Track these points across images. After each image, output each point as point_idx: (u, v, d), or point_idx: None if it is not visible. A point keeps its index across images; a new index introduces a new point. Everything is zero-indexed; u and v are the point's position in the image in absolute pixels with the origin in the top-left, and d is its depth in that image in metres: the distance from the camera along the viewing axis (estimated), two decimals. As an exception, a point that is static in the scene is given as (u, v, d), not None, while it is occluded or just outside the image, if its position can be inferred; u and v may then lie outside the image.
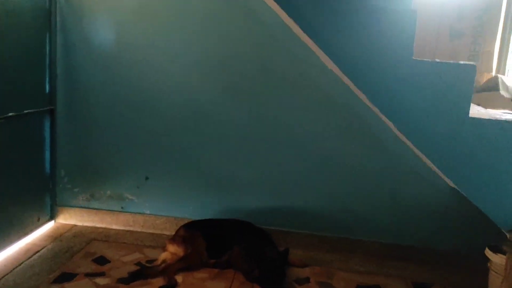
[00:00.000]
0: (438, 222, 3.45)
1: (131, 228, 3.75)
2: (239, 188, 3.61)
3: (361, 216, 3.54)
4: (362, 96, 3.13)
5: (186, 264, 3.08)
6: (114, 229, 3.75)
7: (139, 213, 3.75)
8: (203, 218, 3.50)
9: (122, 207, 3.76)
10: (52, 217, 3.79)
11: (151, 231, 3.73)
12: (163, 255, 3.15)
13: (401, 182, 3.44)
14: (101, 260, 3.19)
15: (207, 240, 3.22)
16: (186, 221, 3.60)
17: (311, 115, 3.44)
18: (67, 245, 3.39)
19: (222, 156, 3.58)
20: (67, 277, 2.93)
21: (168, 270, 2.99)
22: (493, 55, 5.61)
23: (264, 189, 3.59)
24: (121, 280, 2.92)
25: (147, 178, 3.68)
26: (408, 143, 3.21)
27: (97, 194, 3.76)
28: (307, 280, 3.11)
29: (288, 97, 3.44)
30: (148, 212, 3.74)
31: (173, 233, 3.55)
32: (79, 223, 3.79)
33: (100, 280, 2.92)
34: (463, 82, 2.70)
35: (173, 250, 3.14)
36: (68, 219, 3.81)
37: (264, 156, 3.54)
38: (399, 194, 3.46)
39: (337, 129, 3.43)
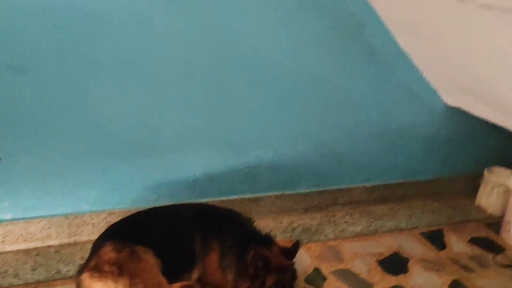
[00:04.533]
0: (430, 150, 2.76)
1: (-19, 251, 2.05)
2: (174, 148, 2.19)
3: (342, 159, 2.57)
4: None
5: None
6: None
7: (-8, 221, 2.04)
8: (129, 212, 2.06)
9: (-49, 217, 1.98)
10: None
11: (22, 246, 2.09)
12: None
13: (391, 106, 2.56)
14: None
15: (158, 252, 1.86)
16: (89, 218, 2.13)
17: (275, 19, 2.15)
18: None
19: (138, 99, 2.05)
20: None
21: None
22: None
23: (213, 144, 2.26)
24: None
25: (-2, 159, 1.94)
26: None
27: None
28: (317, 273, 2.12)
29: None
30: (9, 216, 2.05)
31: (72, 240, 2.08)
32: None
33: None
34: None
35: (106, 292, 1.71)
36: None
37: (208, 92, 2.15)
38: (388, 123, 2.60)
39: (316, 37, 2.23)
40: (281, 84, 2.26)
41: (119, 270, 1.74)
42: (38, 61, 1.81)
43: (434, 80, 2.51)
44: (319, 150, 2.48)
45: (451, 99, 2.60)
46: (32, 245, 2.09)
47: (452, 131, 2.74)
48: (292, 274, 1.87)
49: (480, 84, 2.18)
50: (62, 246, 2.11)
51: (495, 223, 2.68)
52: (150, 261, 1.82)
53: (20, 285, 1.87)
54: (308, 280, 2.06)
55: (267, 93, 2.25)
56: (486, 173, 2.79)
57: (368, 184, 2.70)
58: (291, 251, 1.93)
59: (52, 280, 1.91)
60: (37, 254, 2.06)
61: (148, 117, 2.08)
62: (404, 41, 2.35)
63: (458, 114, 2.65)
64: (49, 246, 2.11)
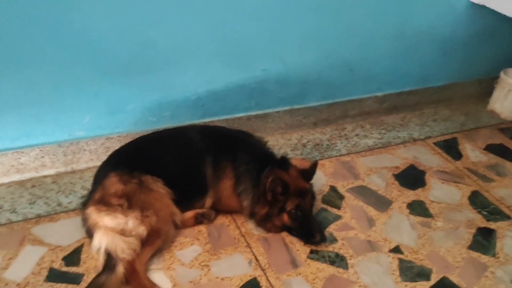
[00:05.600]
0: (446, 53, 2.56)
1: (-31, 186, 1.87)
2: (173, 63, 1.94)
3: (354, 68, 2.36)
4: None
5: (156, 248, 1.62)
6: None
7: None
8: (128, 137, 1.87)
9: None
10: None
11: (15, 178, 1.91)
12: (101, 241, 1.55)
13: (410, 7, 2.30)
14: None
15: (167, 181, 1.71)
16: (85, 144, 1.95)
17: None
18: None
19: (129, 6, 1.76)
20: None
21: (136, 275, 1.51)
22: None
23: (216, 57, 2.01)
24: None
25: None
26: None
27: None
28: (334, 192, 2.02)
29: None
30: (-5, 148, 1.86)
31: (70, 169, 1.93)
32: None
33: None
34: None
35: (118, 225, 1.55)
36: None
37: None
38: (405, 26, 2.36)
39: None
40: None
41: (128, 202, 1.60)
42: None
43: (459, -26, 2.24)
44: (329, 59, 2.26)
45: (476, -4, 2.36)
46: (26, 176, 1.92)
47: (472, 31, 2.53)
48: (311, 196, 1.77)
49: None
50: (59, 175, 1.95)
51: (509, 129, 2.59)
52: (160, 191, 1.68)
53: (20, 221, 1.72)
54: (325, 199, 1.96)
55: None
56: (502, 75, 2.63)
57: (379, 94, 2.53)
58: (309, 172, 1.80)
59: (54, 213, 1.77)
60: (33, 186, 1.89)
61: (142, 28, 1.80)
62: None
63: (481, 13, 2.43)
64: (44, 176, 1.94)
